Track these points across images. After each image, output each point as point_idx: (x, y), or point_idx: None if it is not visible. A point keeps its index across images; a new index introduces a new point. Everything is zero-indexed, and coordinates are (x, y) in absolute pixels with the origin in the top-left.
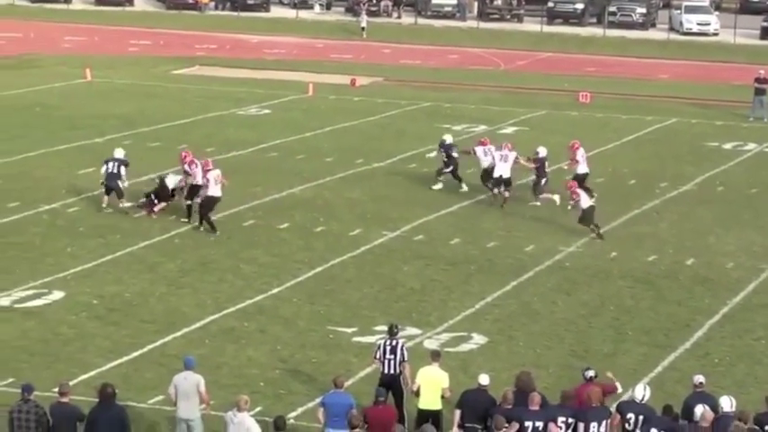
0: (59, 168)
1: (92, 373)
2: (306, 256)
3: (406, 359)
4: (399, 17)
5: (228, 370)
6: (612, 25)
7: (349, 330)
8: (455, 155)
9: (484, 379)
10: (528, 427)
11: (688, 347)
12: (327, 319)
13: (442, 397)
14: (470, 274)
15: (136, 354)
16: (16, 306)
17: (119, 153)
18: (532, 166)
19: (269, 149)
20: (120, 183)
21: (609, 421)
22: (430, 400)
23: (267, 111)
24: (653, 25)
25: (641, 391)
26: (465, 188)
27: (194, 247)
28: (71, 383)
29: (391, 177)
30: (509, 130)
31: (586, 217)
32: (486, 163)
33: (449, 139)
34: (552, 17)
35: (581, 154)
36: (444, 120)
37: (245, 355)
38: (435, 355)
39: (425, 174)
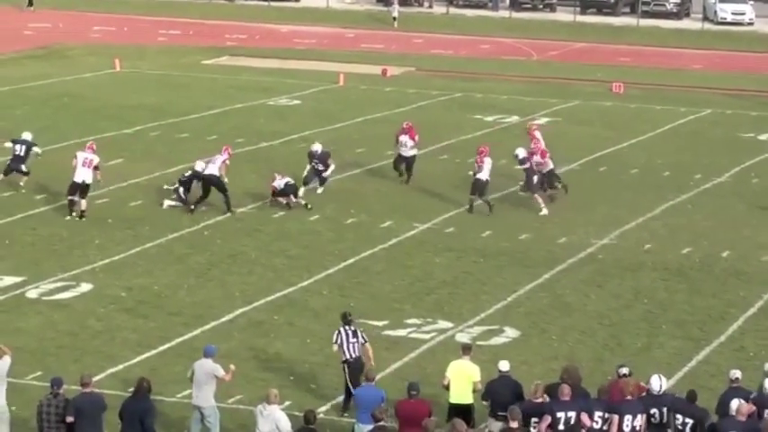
0: None
1: (119, 367)
2: (336, 248)
3: (366, 341)
4: (431, 6)
5: (257, 364)
6: (646, 15)
7: (380, 323)
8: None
9: (504, 365)
10: (560, 419)
11: (723, 341)
12: (358, 311)
13: (474, 391)
14: (502, 267)
15: (164, 347)
16: (44, 298)
17: (27, 136)
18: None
19: (299, 140)
20: (23, 166)
21: (643, 416)
22: (461, 393)
23: (297, 101)
24: (687, 15)
25: (657, 382)
26: (320, 190)
27: (223, 239)
28: (99, 377)
29: (423, 168)
30: (541, 120)
31: (474, 187)
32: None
33: (318, 147)
34: (585, 7)
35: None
36: (476, 110)
37: (275, 348)
38: (466, 349)
39: (457, 165)
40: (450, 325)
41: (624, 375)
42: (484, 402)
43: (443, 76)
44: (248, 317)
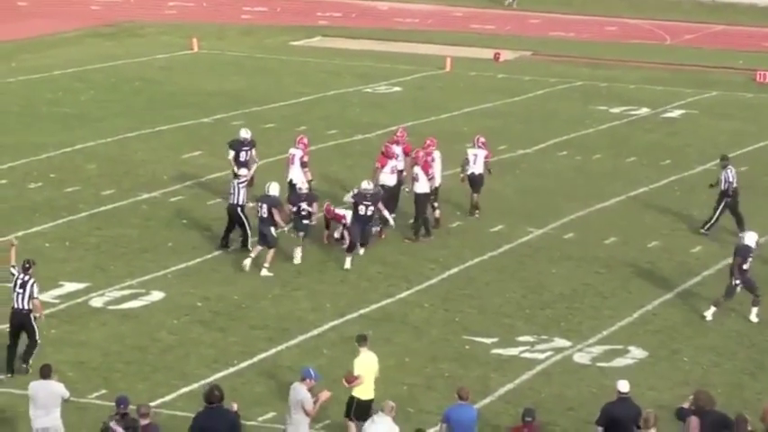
0: (161, 152)
1: (194, 386)
2: (440, 255)
3: (35, 296)
4: None
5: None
6: None
7: (488, 341)
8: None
9: (623, 386)
10: None
11: None
12: (463, 327)
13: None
14: (628, 279)
15: (244, 364)
16: (110, 308)
17: (245, 133)
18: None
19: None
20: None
21: None
22: (370, 388)
23: (398, 88)
24: None
25: None
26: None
27: (313, 244)
28: (170, 396)
29: (539, 166)
30: (675, 113)
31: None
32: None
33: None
34: None
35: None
36: (600, 101)
37: None
38: (364, 339)
39: (579, 162)
40: (567, 343)
41: None
42: (598, 428)
43: (563, 61)
44: (339, 331)
